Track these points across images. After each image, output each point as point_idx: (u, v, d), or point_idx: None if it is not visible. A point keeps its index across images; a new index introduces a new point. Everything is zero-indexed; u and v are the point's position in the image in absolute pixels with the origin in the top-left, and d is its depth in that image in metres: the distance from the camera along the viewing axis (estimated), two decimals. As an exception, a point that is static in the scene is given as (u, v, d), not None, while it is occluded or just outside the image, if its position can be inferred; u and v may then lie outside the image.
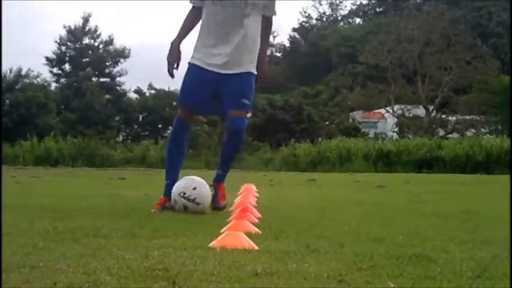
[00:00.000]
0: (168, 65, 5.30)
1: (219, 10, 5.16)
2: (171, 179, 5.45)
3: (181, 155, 5.57)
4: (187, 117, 5.46)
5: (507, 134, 29.87)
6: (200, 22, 5.37)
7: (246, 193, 7.12)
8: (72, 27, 50.90)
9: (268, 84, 5.50)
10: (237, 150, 5.58)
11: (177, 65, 5.34)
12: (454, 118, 47.36)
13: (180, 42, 5.36)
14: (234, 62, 5.24)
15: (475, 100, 46.52)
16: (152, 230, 4.45)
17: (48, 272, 2.88)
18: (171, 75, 5.34)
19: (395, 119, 48.62)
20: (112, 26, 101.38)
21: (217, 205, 5.54)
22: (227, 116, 5.31)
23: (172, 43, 5.33)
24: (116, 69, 52.45)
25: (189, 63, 5.39)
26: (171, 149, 5.56)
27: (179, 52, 5.36)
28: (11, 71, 44.32)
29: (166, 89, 49.77)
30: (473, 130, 44.58)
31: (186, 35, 5.40)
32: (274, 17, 5.47)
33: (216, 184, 5.60)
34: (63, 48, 50.93)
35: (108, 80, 52.04)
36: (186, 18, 5.42)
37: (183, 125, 5.46)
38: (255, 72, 5.37)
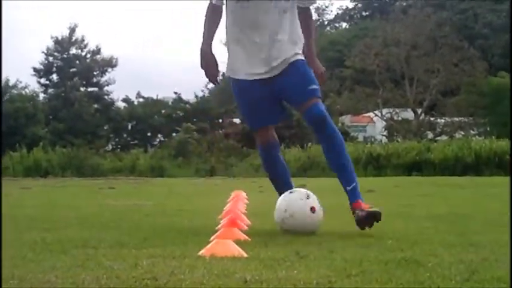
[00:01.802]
0: (206, 74, 4.61)
1: (247, 7, 4.46)
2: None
3: (279, 169, 4.99)
4: (266, 139, 4.80)
5: (496, 136, 29.97)
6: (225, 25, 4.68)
7: (236, 200, 7.13)
8: (59, 37, 50.83)
9: (322, 82, 4.83)
10: (341, 143, 4.73)
11: (217, 69, 4.63)
12: (443, 120, 47.51)
13: (209, 46, 4.59)
14: (275, 59, 4.55)
15: (463, 102, 46.67)
16: (141, 239, 4.45)
17: (37, 284, 2.87)
18: (215, 82, 4.72)
19: (384, 123, 48.72)
20: (99, 36, 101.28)
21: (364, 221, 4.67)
22: (303, 114, 4.63)
23: (202, 50, 4.60)
24: (103, 79, 52.36)
25: (231, 77, 4.71)
26: (271, 175, 5.05)
27: (213, 56, 4.61)
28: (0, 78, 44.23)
29: (155, 97, 49.77)
30: (462, 132, 44.72)
31: (213, 36, 4.64)
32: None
33: (353, 204, 4.78)
34: (51, 58, 50.82)
35: (96, 89, 51.94)
36: (208, 19, 4.65)
37: (267, 149, 4.85)
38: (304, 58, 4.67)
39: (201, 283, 2.87)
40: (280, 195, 4.78)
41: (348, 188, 4.72)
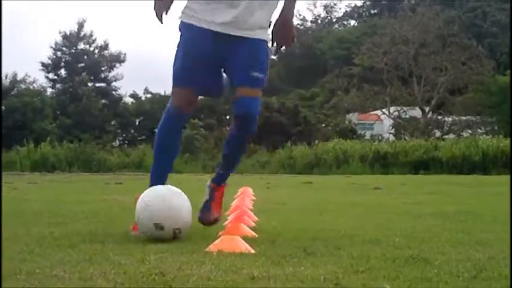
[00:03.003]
0: (155, 8, 3.91)
1: None
2: (157, 183, 4.20)
3: (172, 154, 4.32)
4: (186, 103, 4.06)
5: (503, 135, 29.91)
6: None
7: (243, 196, 7.13)
8: (68, 32, 50.89)
9: (290, 44, 4.08)
10: (244, 144, 4.31)
11: (167, 9, 3.95)
12: (450, 119, 47.42)
13: None
14: (242, 21, 3.88)
15: (471, 101, 46.60)
16: (149, 234, 4.44)
17: (45, 279, 2.88)
18: (160, 20, 3.97)
19: (392, 121, 48.66)
20: (107, 31, 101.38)
21: (207, 217, 4.44)
22: (235, 100, 4.00)
23: None
24: (111, 74, 52.42)
25: (181, 21, 4.03)
26: (160, 146, 4.24)
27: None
28: (6, 77, 44.28)
29: (162, 93, 49.79)
30: (470, 131, 44.64)
31: None
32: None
33: (214, 186, 4.44)
34: (59, 53, 50.88)
35: (103, 84, 52.00)
36: None
37: (178, 115, 4.11)
38: (268, 40, 4.05)
39: (209, 278, 2.88)
40: (154, 176, 4.30)
41: (222, 171, 4.40)
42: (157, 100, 49.38)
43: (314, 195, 10.22)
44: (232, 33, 3.88)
